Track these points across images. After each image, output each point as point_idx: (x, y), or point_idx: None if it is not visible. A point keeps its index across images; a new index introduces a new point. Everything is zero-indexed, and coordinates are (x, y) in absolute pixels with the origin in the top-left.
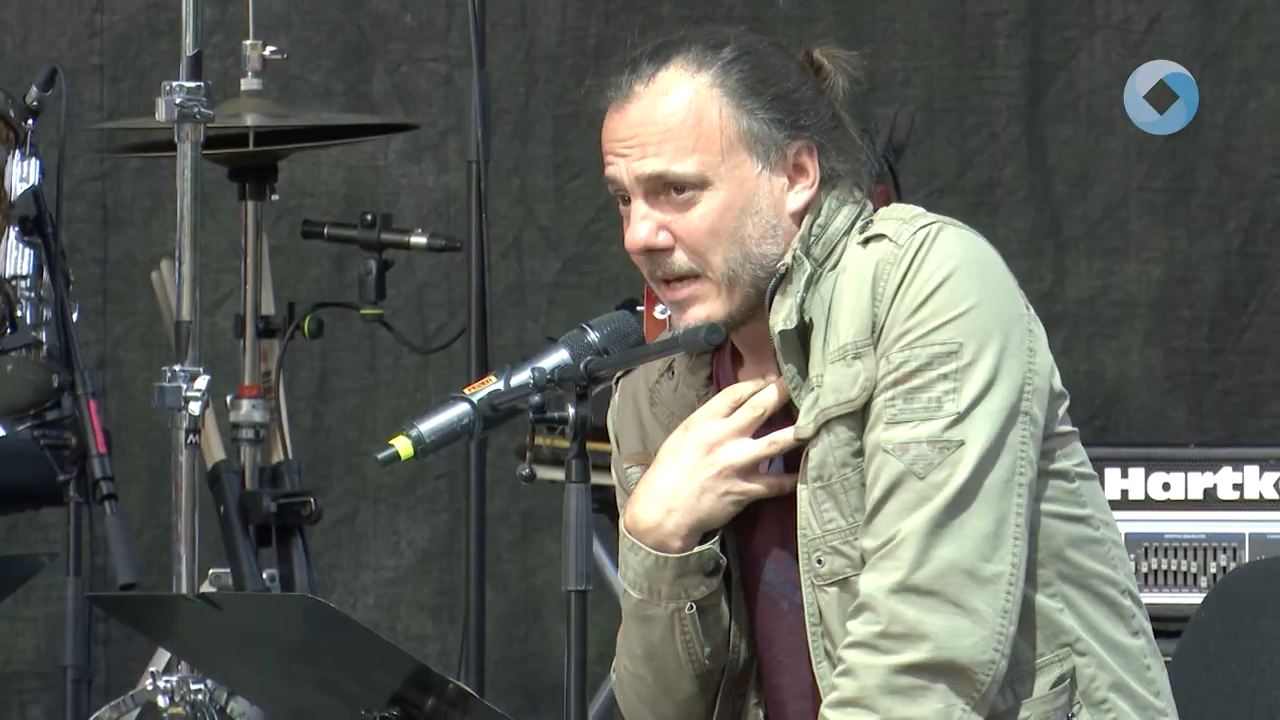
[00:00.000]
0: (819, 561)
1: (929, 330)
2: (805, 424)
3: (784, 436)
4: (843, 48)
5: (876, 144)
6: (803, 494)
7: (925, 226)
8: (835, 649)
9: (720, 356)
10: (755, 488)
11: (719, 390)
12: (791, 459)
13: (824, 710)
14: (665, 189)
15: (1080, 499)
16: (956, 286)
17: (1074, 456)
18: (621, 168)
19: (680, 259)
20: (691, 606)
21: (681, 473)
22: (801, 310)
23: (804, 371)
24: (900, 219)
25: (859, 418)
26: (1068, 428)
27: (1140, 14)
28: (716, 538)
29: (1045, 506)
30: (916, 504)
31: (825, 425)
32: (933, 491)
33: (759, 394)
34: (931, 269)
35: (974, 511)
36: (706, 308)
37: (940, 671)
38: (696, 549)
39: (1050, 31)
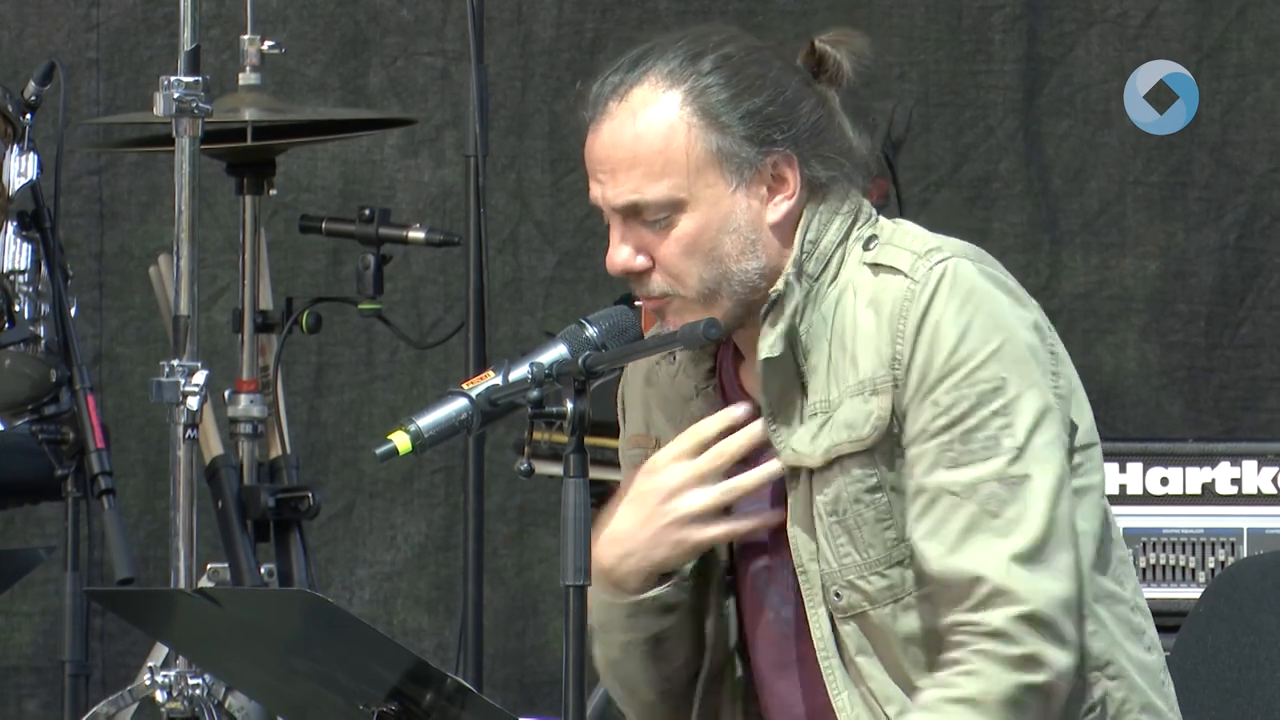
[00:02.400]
0: (837, 595)
1: (972, 369)
2: (811, 452)
3: (741, 483)
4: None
5: (876, 138)
6: (803, 524)
7: (941, 261)
8: (863, 679)
9: (724, 351)
10: (713, 534)
11: (721, 385)
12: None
13: (939, 702)
14: (639, 214)
15: (1095, 516)
16: (986, 322)
17: (1094, 472)
18: (598, 193)
19: (657, 281)
20: (646, 641)
21: (639, 519)
22: (790, 338)
23: (788, 396)
24: (914, 251)
25: (871, 455)
26: (1086, 441)
27: (1137, 8)
28: (673, 579)
29: None
30: (1001, 543)
31: (837, 461)
32: (1011, 528)
33: (723, 442)
34: (956, 307)
35: (1056, 543)
36: (679, 320)
37: (1045, 695)
38: (650, 593)
39: (1047, 26)
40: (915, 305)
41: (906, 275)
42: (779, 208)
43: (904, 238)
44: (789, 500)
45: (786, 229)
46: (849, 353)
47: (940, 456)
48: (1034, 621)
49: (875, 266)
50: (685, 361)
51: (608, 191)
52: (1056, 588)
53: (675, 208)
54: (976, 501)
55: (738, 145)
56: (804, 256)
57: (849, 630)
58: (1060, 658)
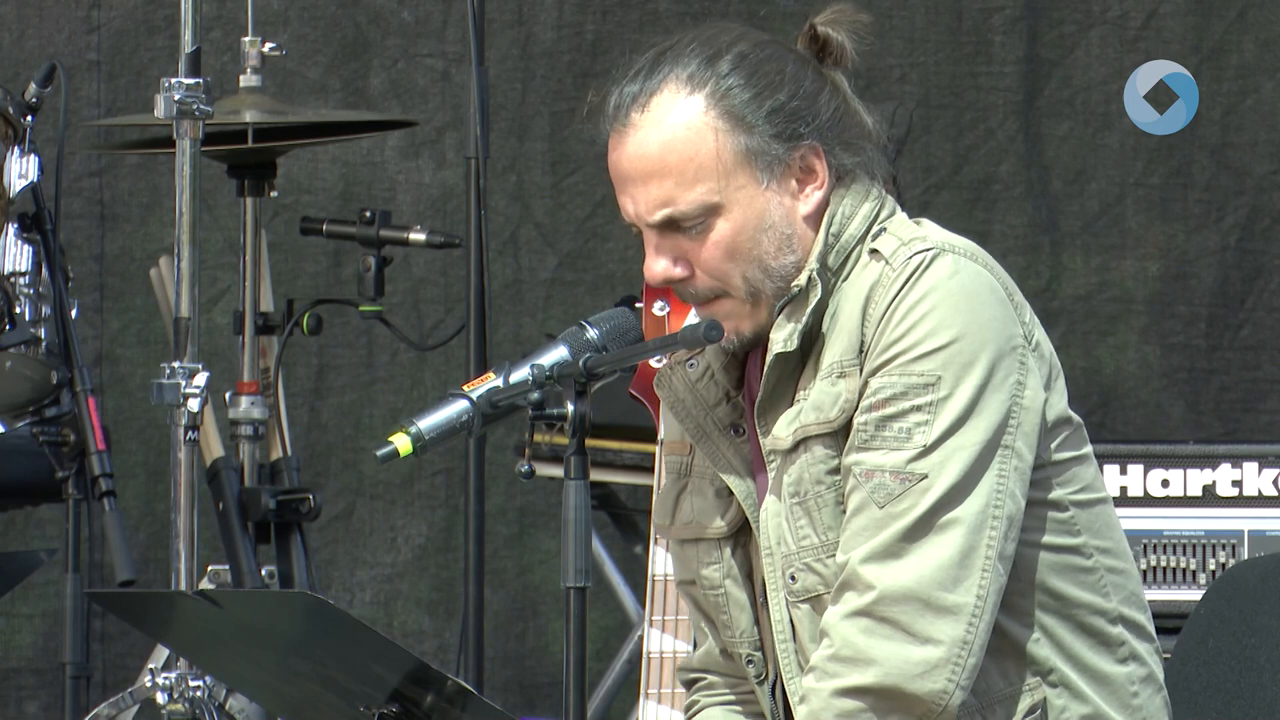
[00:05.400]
0: (792, 578)
1: (909, 360)
2: (783, 436)
3: None
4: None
5: (884, 120)
6: (773, 508)
7: (922, 251)
8: (808, 664)
9: (752, 360)
10: None
11: (750, 395)
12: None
13: None
14: (676, 224)
15: (1073, 528)
16: (942, 318)
17: (1073, 484)
18: (630, 209)
19: (701, 285)
20: None
21: None
22: (805, 334)
23: (783, 387)
24: (901, 239)
25: (837, 438)
26: (1069, 454)
27: (1137, 10)
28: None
29: (1027, 537)
30: (873, 533)
31: (803, 442)
32: (889, 521)
33: None
34: (918, 297)
35: (936, 542)
36: (734, 324)
37: (885, 697)
38: None
39: (1047, 27)
40: (887, 292)
41: (887, 262)
42: (810, 198)
43: (901, 227)
44: (765, 483)
45: (819, 218)
46: (832, 341)
47: (856, 436)
48: (863, 616)
49: (872, 253)
50: (715, 368)
51: (640, 207)
52: (911, 582)
53: (711, 212)
54: (867, 489)
55: (766, 143)
56: (826, 250)
57: (801, 615)
58: (902, 653)
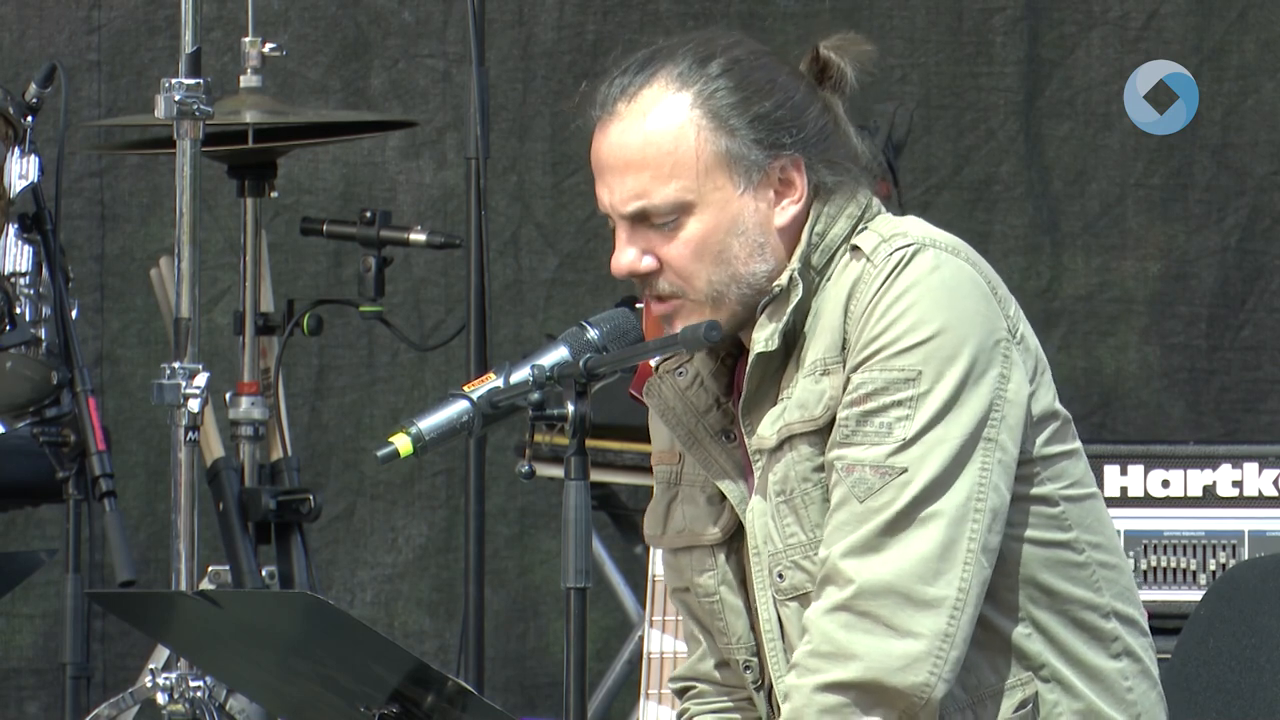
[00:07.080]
0: (780, 576)
1: (890, 355)
2: (768, 435)
3: None
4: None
5: (877, 140)
6: (759, 507)
7: (903, 247)
8: None
9: (742, 365)
10: None
11: (739, 397)
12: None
13: None
14: (648, 218)
15: (1064, 523)
16: (923, 312)
17: (1063, 479)
18: (605, 198)
19: (664, 281)
20: None
21: None
22: (787, 334)
23: (766, 386)
24: (882, 235)
25: (822, 435)
26: (1058, 448)
27: (1138, 10)
28: None
29: (1016, 531)
30: (853, 527)
31: (788, 440)
32: (870, 516)
33: None
34: (899, 292)
35: (916, 536)
36: (690, 322)
37: (867, 691)
38: None
39: (1048, 27)
40: (868, 289)
41: (868, 258)
42: (786, 211)
43: (882, 223)
44: (754, 485)
45: (794, 232)
46: (814, 339)
47: (838, 431)
48: (843, 610)
49: (853, 250)
50: (704, 375)
51: (615, 196)
52: (890, 576)
53: (683, 210)
54: (848, 483)
55: (746, 148)
56: (810, 250)
57: (789, 613)
58: (883, 647)
